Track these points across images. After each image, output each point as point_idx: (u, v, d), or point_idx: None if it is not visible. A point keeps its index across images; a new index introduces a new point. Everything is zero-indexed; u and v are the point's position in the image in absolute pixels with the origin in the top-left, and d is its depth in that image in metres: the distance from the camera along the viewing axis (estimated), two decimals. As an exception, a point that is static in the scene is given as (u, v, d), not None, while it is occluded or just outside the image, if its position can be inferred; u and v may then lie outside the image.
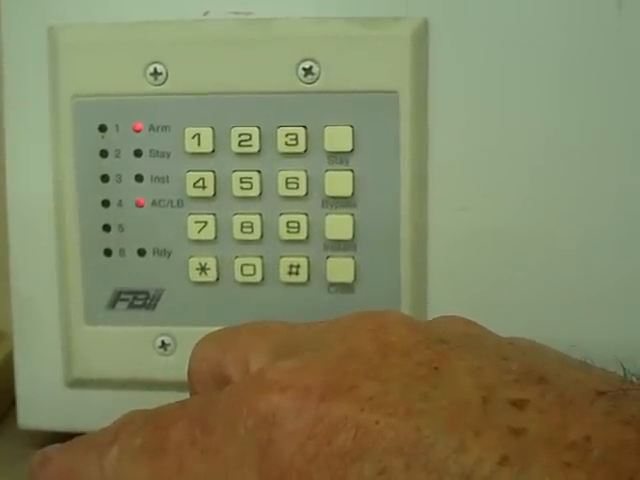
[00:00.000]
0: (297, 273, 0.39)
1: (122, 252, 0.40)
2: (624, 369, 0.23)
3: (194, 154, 0.39)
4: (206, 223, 0.39)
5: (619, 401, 0.21)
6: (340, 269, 0.39)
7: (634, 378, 0.23)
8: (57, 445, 0.28)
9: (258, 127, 0.39)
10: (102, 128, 0.39)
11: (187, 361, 0.29)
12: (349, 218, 0.39)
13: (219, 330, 0.30)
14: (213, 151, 0.39)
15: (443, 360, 0.23)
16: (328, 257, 0.39)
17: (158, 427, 0.25)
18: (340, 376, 0.23)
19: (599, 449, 0.19)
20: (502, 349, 0.24)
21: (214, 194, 0.39)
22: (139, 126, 0.39)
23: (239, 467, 0.23)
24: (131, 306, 0.40)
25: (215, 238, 0.40)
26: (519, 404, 0.21)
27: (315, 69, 0.38)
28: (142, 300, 0.40)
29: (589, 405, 0.21)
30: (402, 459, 0.20)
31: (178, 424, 0.25)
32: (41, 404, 0.42)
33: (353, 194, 0.39)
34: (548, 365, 0.23)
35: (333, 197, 0.39)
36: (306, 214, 0.39)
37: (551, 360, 0.24)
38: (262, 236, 0.39)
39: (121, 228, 0.40)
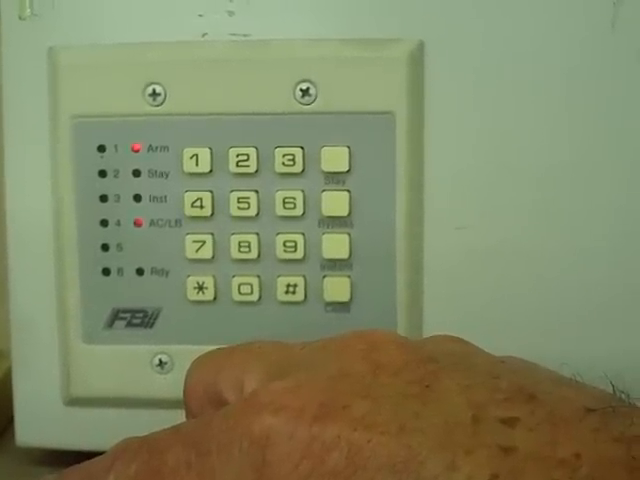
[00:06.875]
0: (294, 292, 0.40)
1: (120, 271, 0.40)
2: (613, 386, 0.24)
3: (192, 174, 0.39)
4: (204, 242, 0.40)
5: (608, 418, 0.21)
6: (336, 288, 0.39)
7: (623, 395, 0.23)
8: (53, 475, 0.28)
9: (256, 147, 0.39)
10: (101, 148, 0.40)
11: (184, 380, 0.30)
12: (345, 238, 0.39)
13: (214, 350, 0.30)
14: (211, 171, 0.39)
15: (434, 379, 0.23)
16: (325, 276, 0.39)
17: (153, 453, 0.25)
18: (332, 396, 0.23)
19: (588, 466, 0.20)
20: (493, 367, 0.25)
21: (212, 214, 0.39)
22: (138, 146, 0.39)
23: (235, 489, 0.23)
24: (129, 325, 0.41)
25: (213, 257, 0.40)
26: (509, 422, 0.21)
27: (312, 90, 0.38)
28: (140, 319, 0.40)
29: (578, 422, 0.21)
30: (394, 477, 0.21)
31: (173, 449, 0.25)
32: (39, 422, 0.42)
33: (349, 214, 0.39)
34: (538, 383, 0.23)
35: (330, 217, 0.39)
36: (303, 234, 0.39)
37: (541, 378, 0.24)
38: (259, 255, 0.40)
39: (119, 247, 0.40)
